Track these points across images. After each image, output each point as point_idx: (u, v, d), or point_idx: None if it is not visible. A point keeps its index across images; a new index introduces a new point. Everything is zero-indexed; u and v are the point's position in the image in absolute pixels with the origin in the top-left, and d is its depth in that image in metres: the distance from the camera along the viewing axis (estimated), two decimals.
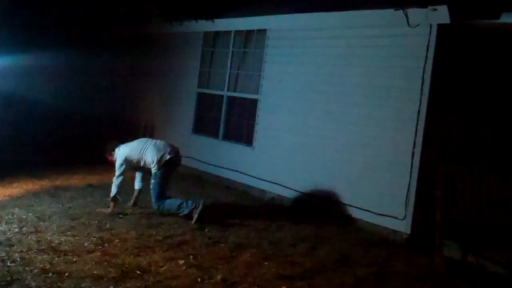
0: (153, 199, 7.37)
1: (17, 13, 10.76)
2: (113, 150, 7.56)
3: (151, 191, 7.38)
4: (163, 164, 7.31)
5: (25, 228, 6.20)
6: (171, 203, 7.34)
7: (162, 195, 7.35)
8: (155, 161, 7.29)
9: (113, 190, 7.27)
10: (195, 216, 7.16)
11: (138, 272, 5.17)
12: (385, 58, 7.64)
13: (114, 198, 7.28)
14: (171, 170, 7.54)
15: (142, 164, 7.43)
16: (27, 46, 11.19)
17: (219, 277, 5.23)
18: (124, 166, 7.36)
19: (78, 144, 12.14)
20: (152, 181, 7.37)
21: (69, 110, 12.53)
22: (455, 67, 7.24)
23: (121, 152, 7.44)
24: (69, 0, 11.36)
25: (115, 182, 7.30)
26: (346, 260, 6.20)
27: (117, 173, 7.34)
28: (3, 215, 6.60)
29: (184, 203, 7.28)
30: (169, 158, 7.35)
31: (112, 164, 7.59)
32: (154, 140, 7.66)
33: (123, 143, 7.61)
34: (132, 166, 7.53)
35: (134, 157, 7.39)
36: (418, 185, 7.08)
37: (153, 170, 7.32)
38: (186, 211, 7.23)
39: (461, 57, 7.26)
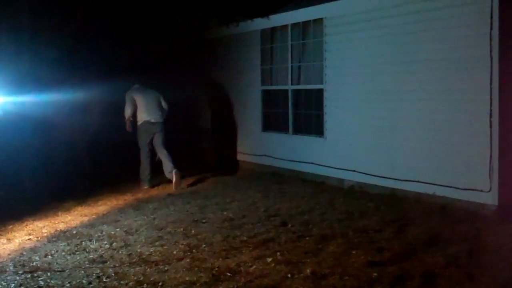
0: None
1: (83, 48, 11.01)
2: None
3: None
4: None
5: (115, 243, 6.39)
6: (144, 166, 9.96)
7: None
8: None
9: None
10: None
11: (229, 274, 5.23)
12: (446, 30, 7.42)
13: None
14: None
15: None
16: (99, 78, 11.50)
17: (308, 270, 5.22)
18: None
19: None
20: None
21: None
22: None
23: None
24: (124, 21, 11.56)
25: None
26: (435, 239, 6.06)
27: None
28: (92, 233, 6.82)
29: (147, 178, 9.88)
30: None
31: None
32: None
33: None
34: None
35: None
36: (500, 155, 6.84)
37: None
38: (143, 183, 9.93)
39: None
